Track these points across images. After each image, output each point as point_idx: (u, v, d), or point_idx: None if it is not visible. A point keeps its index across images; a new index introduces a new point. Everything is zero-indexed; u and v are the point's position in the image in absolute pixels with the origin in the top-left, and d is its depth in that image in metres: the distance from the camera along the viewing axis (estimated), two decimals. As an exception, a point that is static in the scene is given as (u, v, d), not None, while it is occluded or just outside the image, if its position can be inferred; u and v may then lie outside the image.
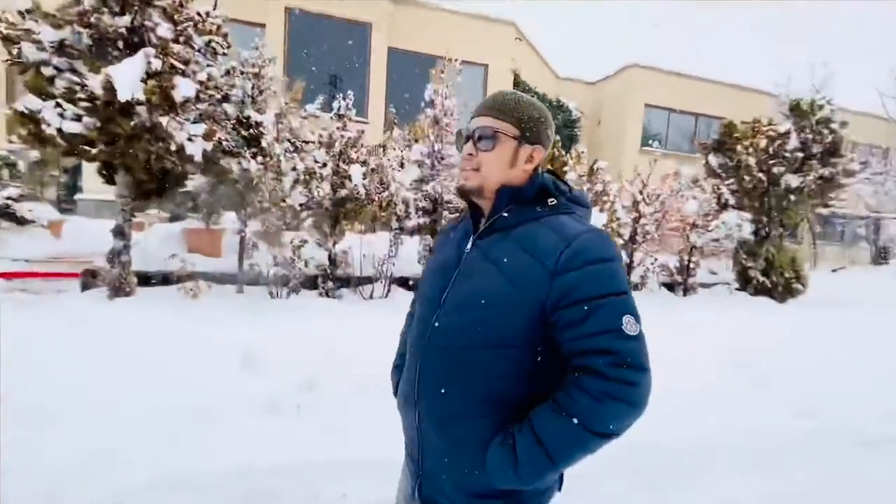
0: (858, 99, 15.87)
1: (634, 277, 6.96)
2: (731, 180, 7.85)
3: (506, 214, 0.94)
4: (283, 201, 5.01)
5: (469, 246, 0.97)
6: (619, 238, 6.56)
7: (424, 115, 5.67)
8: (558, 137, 15.42)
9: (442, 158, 5.68)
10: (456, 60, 5.72)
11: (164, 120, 3.79)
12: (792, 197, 7.32)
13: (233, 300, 4.84)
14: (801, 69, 13.87)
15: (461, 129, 1.01)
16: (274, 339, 3.73)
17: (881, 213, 18.16)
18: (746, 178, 7.50)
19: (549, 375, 0.89)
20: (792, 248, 8.03)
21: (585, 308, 0.81)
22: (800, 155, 7.33)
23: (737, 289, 7.70)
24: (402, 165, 5.65)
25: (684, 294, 7.53)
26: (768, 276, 7.71)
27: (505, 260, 0.89)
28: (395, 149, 5.50)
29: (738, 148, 7.91)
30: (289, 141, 5.07)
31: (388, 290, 5.71)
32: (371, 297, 5.60)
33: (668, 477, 2.48)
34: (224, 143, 4.35)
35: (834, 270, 14.18)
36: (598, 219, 5.87)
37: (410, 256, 5.87)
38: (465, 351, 0.90)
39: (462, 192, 0.97)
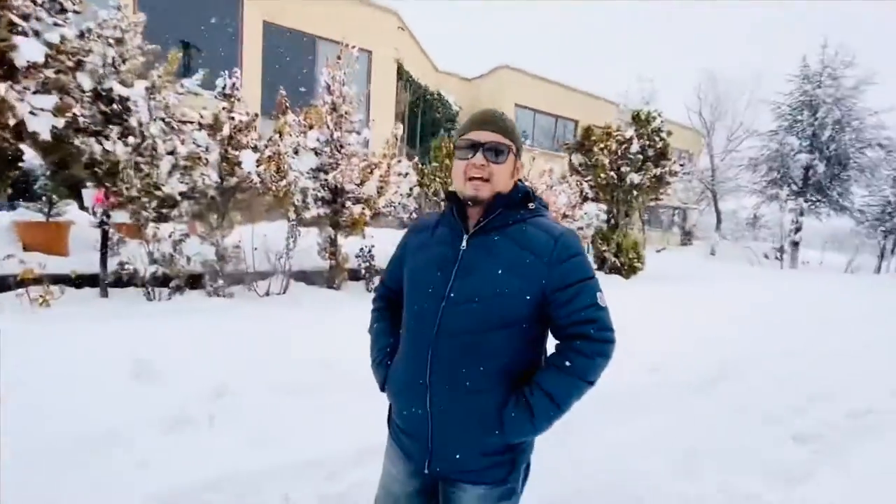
0: (674, 111, 19.73)
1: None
2: (590, 177, 9.20)
3: (498, 216, 1.11)
4: (159, 189, 4.38)
5: (464, 244, 1.10)
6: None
7: (322, 100, 5.44)
8: (442, 132, 15.99)
9: (342, 147, 5.54)
10: (353, 47, 5.59)
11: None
12: (635, 192, 8.90)
13: (98, 306, 4.09)
14: (636, 83, 16.61)
15: (463, 139, 1.11)
16: (166, 346, 3.33)
17: (687, 204, 22.92)
18: (602, 175, 8.87)
19: (540, 345, 1.15)
20: (633, 234, 9.78)
21: (574, 290, 1.06)
22: (640, 157, 8.93)
23: (596, 269, 9.09)
24: (296, 152, 5.36)
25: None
26: (618, 258, 9.28)
27: (507, 255, 1.06)
28: (290, 134, 5.17)
29: (595, 149, 9.29)
30: (163, 121, 4.42)
31: (287, 286, 5.42)
32: (267, 293, 5.25)
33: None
34: (81, 119, 3.61)
35: (658, 251, 17.50)
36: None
37: (310, 249, 5.63)
38: (478, 334, 1.05)
39: (475, 201, 1.10)
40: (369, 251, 6.05)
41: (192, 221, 4.79)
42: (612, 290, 6.98)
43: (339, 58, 5.53)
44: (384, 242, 6.49)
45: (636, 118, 9.43)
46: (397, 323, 1.30)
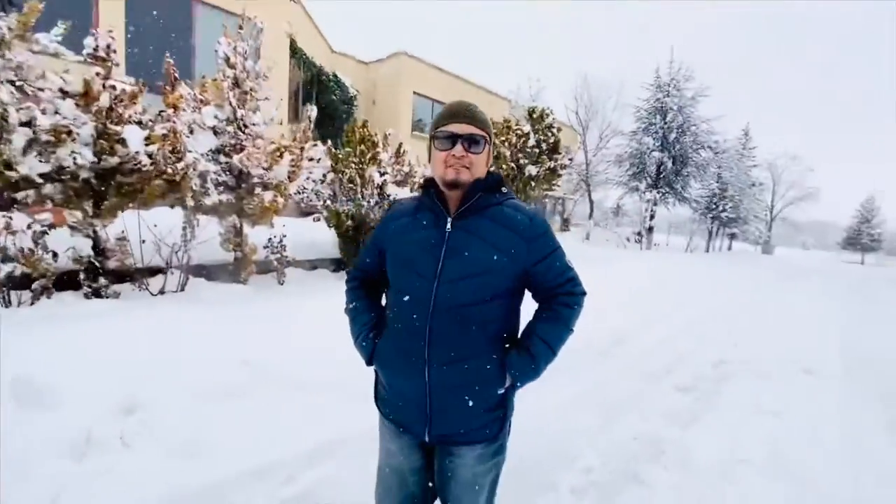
0: (556, 110, 21.69)
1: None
2: (493, 167, 9.70)
3: (478, 200, 1.23)
4: (12, 169, 3.54)
5: (449, 226, 1.20)
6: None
7: (222, 74, 4.86)
8: (345, 116, 15.31)
9: (246, 126, 5.04)
10: (256, 18, 5.09)
11: None
12: (532, 183, 9.64)
13: (-72, 317, 3.17)
14: (526, 81, 17.80)
15: (442, 132, 1.21)
16: (48, 362, 2.76)
17: (566, 195, 25.44)
18: (504, 167, 9.42)
19: (518, 311, 1.32)
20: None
21: (550, 258, 1.24)
22: (537, 151, 9.68)
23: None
24: (191, 131, 4.73)
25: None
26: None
27: (490, 235, 1.19)
28: (185, 110, 4.54)
29: (496, 142, 9.80)
30: (13, 84, 3.55)
31: (185, 282, 4.81)
32: (162, 291, 4.60)
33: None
34: None
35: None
36: (408, 198, 6.36)
37: (212, 240, 5.05)
38: (471, 307, 1.17)
39: (455, 185, 1.20)
40: (280, 241, 5.65)
41: (58, 209, 3.95)
42: None
43: (240, 27, 4.98)
44: (296, 232, 6.11)
45: (531, 114, 10.17)
46: (375, 300, 1.41)
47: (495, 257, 1.17)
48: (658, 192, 21.51)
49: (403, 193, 6.34)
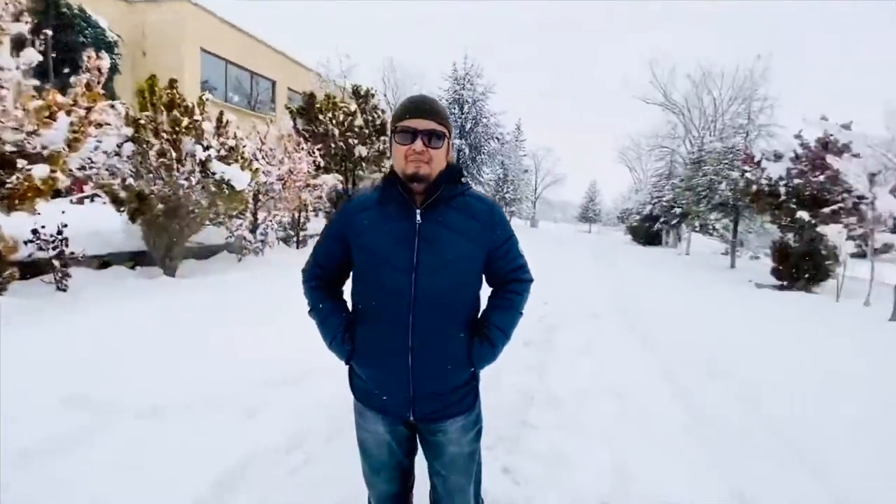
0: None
1: (260, 236, 7.06)
2: (321, 145, 9.18)
3: (443, 192, 1.26)
4: None
5: (419, 218, 1.23)
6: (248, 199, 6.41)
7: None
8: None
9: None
10: None
11: None
12: (363, 164, 9.54)
13: None
14: (336, 56, 17.12)
15: (402, 126, 1.22)
16: None
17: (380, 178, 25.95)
18: (333, 145, 9.02)
19: (480, 291, 1.41)
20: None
21: (506, 245, 1.39)
22: (366, 131, 9.59)
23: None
24: None
25: (297, 247, 8.39)
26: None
27: (458, 224, 1.26)
28: None
29: (321, 118, 9.29)
30: None
31: None
32: None
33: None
34: None
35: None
36: (242, 178, 5.51)
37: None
38: (448, 295, 1.25)
39: (416, 178, 1.21)
40: (59, 233, 4.20)
41: None
42: None
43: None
44: (67, 220, 4.58)
45: (357, 93, 9.97)
46: (340, 299, 1.41)
47: (465, 246, 1.25)
48: (459, 176, 24.14)
49: (232, 172, 5.47)
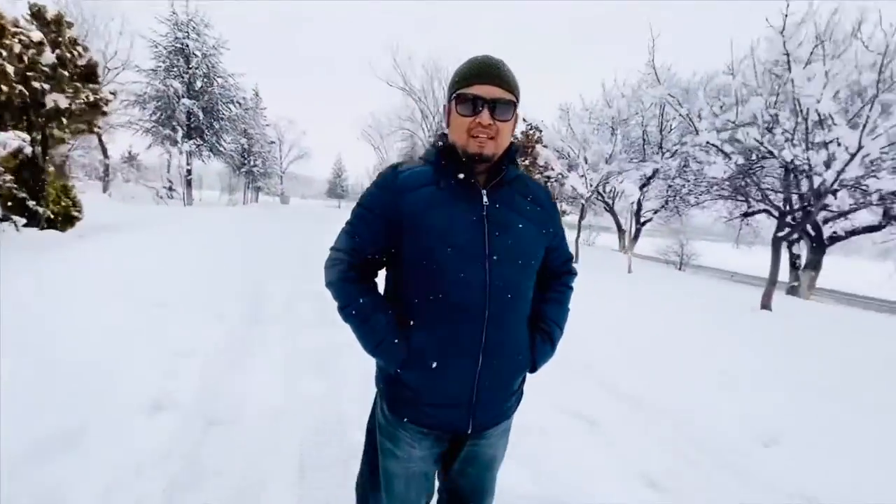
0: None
1: None
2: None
3: (507, 171, 1.10)
4: None
5: (486, 199, 1.07)
6: None
7: None
8: None
9: None
10: None
11: None
12: (63, 119, 6.75)
13: None
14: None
15: (466, 93, 1.03)
16: None
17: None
18: (3, 87, 6.01)
19: None
20: (59, 173, 7.50)
21: (562, 233, 1.25)
22: (65, 74, 6.78)
23: (24, 224, 6.40)
24: None
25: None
26: (45, 206, 6.93)
27: (526, 210, 1.13)
28: None
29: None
30: None
31: None
32: None
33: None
34: None
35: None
36: None
37: None
38: (518, 285, 1.10)
39: (480, 159, 1.04)
40: None
41: None
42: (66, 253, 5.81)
43: None
44: None
45: (38, 16, 6.87)
46: (378, 291, 1.15)
47: (534, 233, 1.13)
48: (193, 144, 20.08)
49: None
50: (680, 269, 16.79)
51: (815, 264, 11.03)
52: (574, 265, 1.34)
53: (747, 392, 3.29)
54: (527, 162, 13.81)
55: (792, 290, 11.53)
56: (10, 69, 6.10)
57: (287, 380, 3.08)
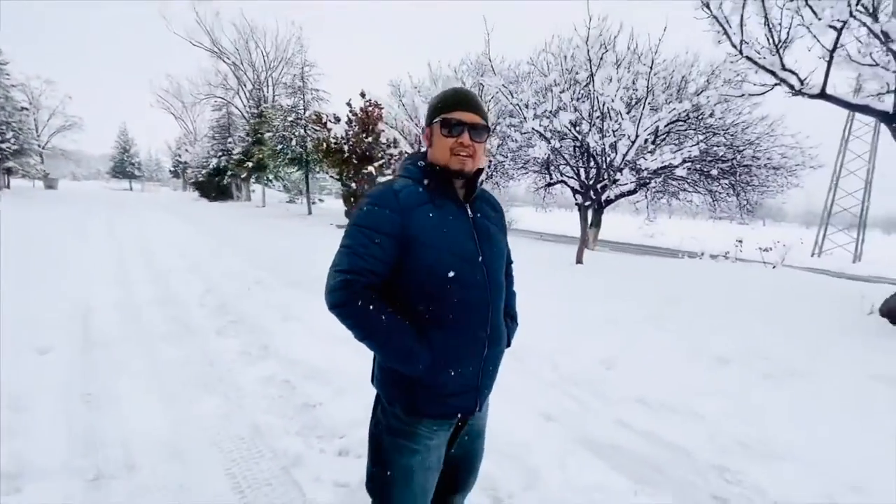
0: None
1: None
2: None
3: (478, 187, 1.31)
4: None
5: (469, 213, 1.27)
6: None
7: None
8: None
9: None
10: None
11: None
12: None
13: None
14: None
15: (450, 118, 1.21)
16: None
17: None
18: None
19: None
20: None
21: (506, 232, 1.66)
22: None
23: None
24: None
25: None
26: None
27: (494, 218, 1.37)
28: None
29: None
30: None
31: None
32: None
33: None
34: None
35: None
36: None
37: None
38: (502, 282, 1.36)
39: (461, 175, 1.23)
40: None
41: None
42: None
43: None
44: None
45: None
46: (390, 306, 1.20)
47: (502, 237, 1.38)
48: None
49: None
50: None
51: (597, 223, 14.03)
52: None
53: (586, 331, 4.24)
54: (370, 139, 13.76)
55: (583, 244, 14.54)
56: None
57: (173, 405, 2.70)
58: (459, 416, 1.29)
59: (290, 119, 17.70)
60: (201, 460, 2.21)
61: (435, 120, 1.23)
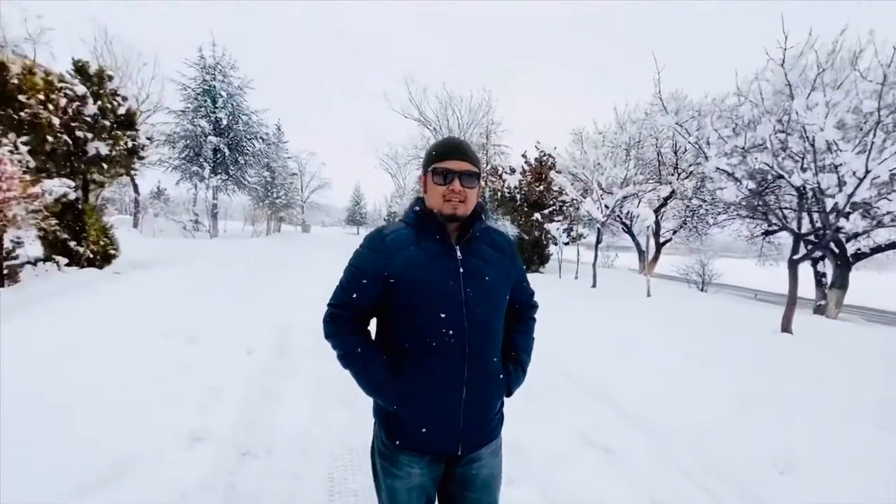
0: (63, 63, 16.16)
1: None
2: (25, 139, 6.54)
3: (474, 228, 1.34)
4: None
5: (459, 254, 1.30)
6: None
7: None
8: None
9: None
10: None
11: None
12: (104, 165, 7.29)
13: None
14: (16, 13, 12.47)
15: (441, 167, 1.28)
16: None
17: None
18: (50, 138, 6.57)
19: None
20: (98, 215, 8.02)
21: (523, 272, 1.50)
22: (105, 123, 7.35)
23: (66, 264, 6.84)
24: None
25: (3, 283, 5.77)
26: (86, 246, 7.40)
27: (492, 258, 1.36)
28: None
29: (25, 99, 6.64)
30: None
31: None
32: None
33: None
34: None
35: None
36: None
37: None
38: (490, 324, 1.32)
39: (454, 218, 1.29)
40: None
41: None
42: (100, 288, 6.21)
43: None
44: None
45: (82, 71, 7.52)
46: (371, 340, 1.33)
47: (500, 277, 1.35)
48: (220, 179, 21.02)
49: None
50: (702, 289, 16.50)
51: (841, 282, 10.77)
52: (535, 299, 1.58)
53: (761, 416, 3.30)
54: (541, 188, 14.03)
55: (819, 309, 11.23)
56: (55, 121, 6.68)
57: (315, 409, 3.23)
58: (442, 454, 1.29)
59: (473, 172, 19.42)
60: (315, 461, 2.58)
61: (428, 169, 1.31)
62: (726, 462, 2.75)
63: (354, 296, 1.28)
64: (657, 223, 14.56)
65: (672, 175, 13.70)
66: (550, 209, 13.54)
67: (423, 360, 1.24)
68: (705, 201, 12.63)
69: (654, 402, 3.55)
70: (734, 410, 3.41)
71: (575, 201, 10.84)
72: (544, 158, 13.99)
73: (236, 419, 3.00)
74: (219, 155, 21.25)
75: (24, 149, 6.40)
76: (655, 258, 15.03)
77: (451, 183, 1.26)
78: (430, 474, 1.32)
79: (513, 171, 15.24)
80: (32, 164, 6.59)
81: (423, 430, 1.26)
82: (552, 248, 14.05)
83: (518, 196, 14.48)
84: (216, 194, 20.75)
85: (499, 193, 15.02)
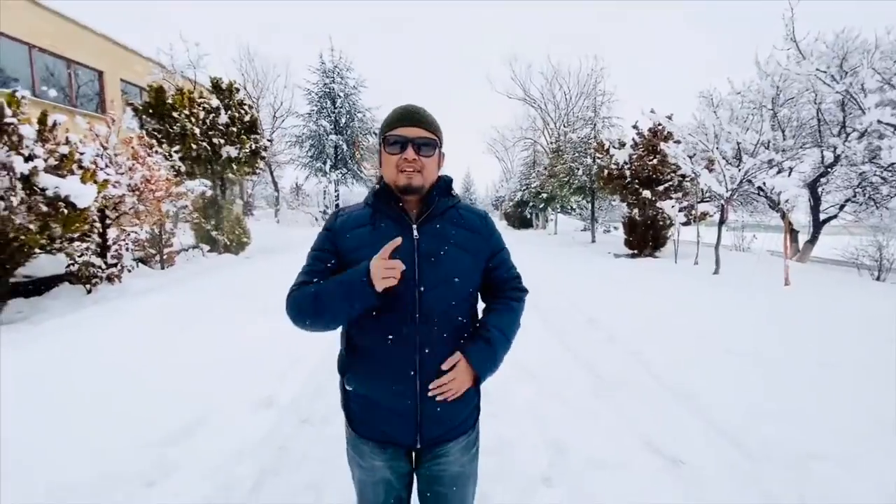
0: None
1: (112, 259, 5.88)
2: (178, 147, 7.99)
3: (437, 205, 1.23)
4: None
5: (416, 233, 1.18)
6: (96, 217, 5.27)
7: None
8: None
9: None
10: None
11: None
12: (234, 165, 8.57)
13: None
14: (181, 43, 15.07)
15: (392, 135, 1.17)
16: None
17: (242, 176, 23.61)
18: (194, 146, 7.91)
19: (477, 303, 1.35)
20: (234, 209, 9.48)
21: (502, 254, 1.34)
22: (233, 130, 8.60)
23: (208, 250, 8.27)
24: None
25: (162, 266, 7.21)
26: (224, 235, 8.80)
27: (456, 238, 1.22)
28: None
29: (177, 115, 8.08)
30: None
31: None
32: None
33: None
34: None
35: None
36: (85, 193, 4.48)
37: None
38: (451, 309, 1.20)
39: (409, 190, 1.17)
40: None
41: None
42: (237, 268, 6.90)
43: None
44: None
45: (217, 86, 8.87)
46: None
47: (465, 259, 1.22)
48: (339, 173, 23.19)
49: (71, 186, 4.44)
50: (878, 278, 13.12)
51: None
52: (523, 284, 1.38)
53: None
54: (655, 161, 12.54)
55: None
56: (197, 131, 7.99)
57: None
58: (400, 446, 1.22)
59: (578, 150, 18.28)
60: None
61: (381, 139, 1.21)
62: (836, 499, 2.15)
63: (313, 270, 1.22)
64: (816, 196, 11.91)
65: (837, 136, 10.97)
66: (665, 185, 12.01)
67: (373, 348, 1.18)
68: (882, 167, 9.90)
69: (754, 414, 2.95)
70: (863, 437, 2.65)
71: (695, 174, 9.41)
72: (659, 128, 12.41)
73: (305, 389, 3.30)
74: (338, 151, 23.42)
75: (176, 156, 7.82)
76: (813, 239, 12.34)
77: (404, 151, 1.15)
78: (394, 470, 1.26)
79: (622, 144, 13.87)
80: (183, 168, 8.02)
81: (378, 419, 1.21)
82: (670, 230, 12.51)
83: (628, 172, 13.15)
84: (337, 187, 22.94)
85: (604, 171, 13.84)
